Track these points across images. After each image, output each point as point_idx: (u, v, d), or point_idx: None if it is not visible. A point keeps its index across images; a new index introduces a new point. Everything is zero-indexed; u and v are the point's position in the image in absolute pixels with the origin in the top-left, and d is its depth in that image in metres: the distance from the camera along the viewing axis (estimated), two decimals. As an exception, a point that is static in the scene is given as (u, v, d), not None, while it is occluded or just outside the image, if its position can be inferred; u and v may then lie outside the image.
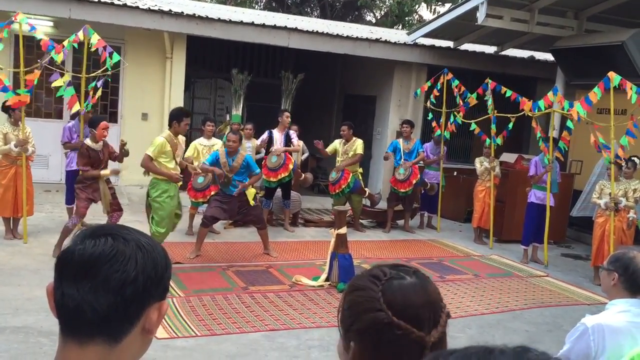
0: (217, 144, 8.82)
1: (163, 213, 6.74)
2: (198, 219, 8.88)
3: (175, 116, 6.79)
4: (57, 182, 10.16)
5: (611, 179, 7.69)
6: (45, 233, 7.83)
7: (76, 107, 7.74)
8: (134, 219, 8.56)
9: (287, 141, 9.40)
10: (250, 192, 7.84)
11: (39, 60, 7.60)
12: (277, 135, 9.42)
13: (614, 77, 7.31)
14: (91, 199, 7.14)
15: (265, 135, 9.46)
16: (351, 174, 9.50)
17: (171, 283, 6.20)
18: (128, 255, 1.05)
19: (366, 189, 9.98)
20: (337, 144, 9.75)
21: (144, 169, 6.87)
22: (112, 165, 7.59)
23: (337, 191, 9.47)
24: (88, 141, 7.17)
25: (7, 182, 7.53)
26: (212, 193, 8.37)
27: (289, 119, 9.55)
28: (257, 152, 9.62)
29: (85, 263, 1.04)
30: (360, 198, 9.87)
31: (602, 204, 7.79)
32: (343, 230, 6.75)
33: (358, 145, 9.59)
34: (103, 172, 7.15)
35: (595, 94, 7.51)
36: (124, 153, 7.46)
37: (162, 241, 6.65)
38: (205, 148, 8.72)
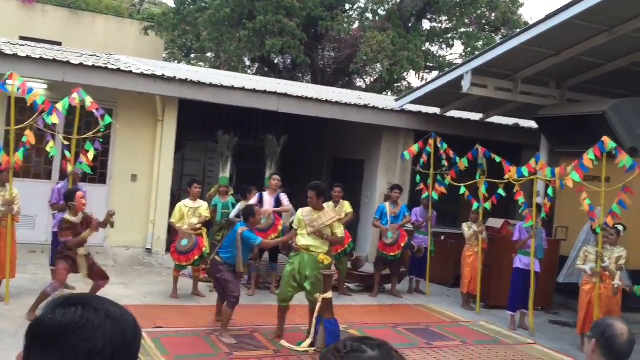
0: (203, 206, 8.84)
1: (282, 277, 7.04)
2: (182, 281, 8.79)
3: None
4: (43, 243, 10.08)
5: (598, 244, 7.72)
6: (27, 295, 7.68)
7: (70, 168, 7.80)
8: (118, 281, 8.47)
9: (277, 205, 9.44)
10: None
11: (36, 124, 7.52)
12: (267, 197, 9.47)
13: (609, 143, 7.45)
14: (70, 267, 6.96)
15: (256, 198, 9.50)
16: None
17: (153, 347, 6.10)
18: (97, 324, 1.07)
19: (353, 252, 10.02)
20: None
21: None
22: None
23: (339, 251, 9.37)
24: (67, 215, 6.98)
25: (-10, 244, 7.46)
26: (196, 257, 8.30)
27: (277, 182, 9.60)
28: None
29: (54, 332, 1.06)
30: (347, 260, 9.86)
31: (587, 270, 7.81)
32: (329, 294, 6.69)
33: (346, 205, 9.65)
34: (84, 234, 6.91)
35: (590, 160, 7.57)
36: (109, 223, 7.15)
37: (279, 301, 7.05)
38: (190, 210, 8.72)
